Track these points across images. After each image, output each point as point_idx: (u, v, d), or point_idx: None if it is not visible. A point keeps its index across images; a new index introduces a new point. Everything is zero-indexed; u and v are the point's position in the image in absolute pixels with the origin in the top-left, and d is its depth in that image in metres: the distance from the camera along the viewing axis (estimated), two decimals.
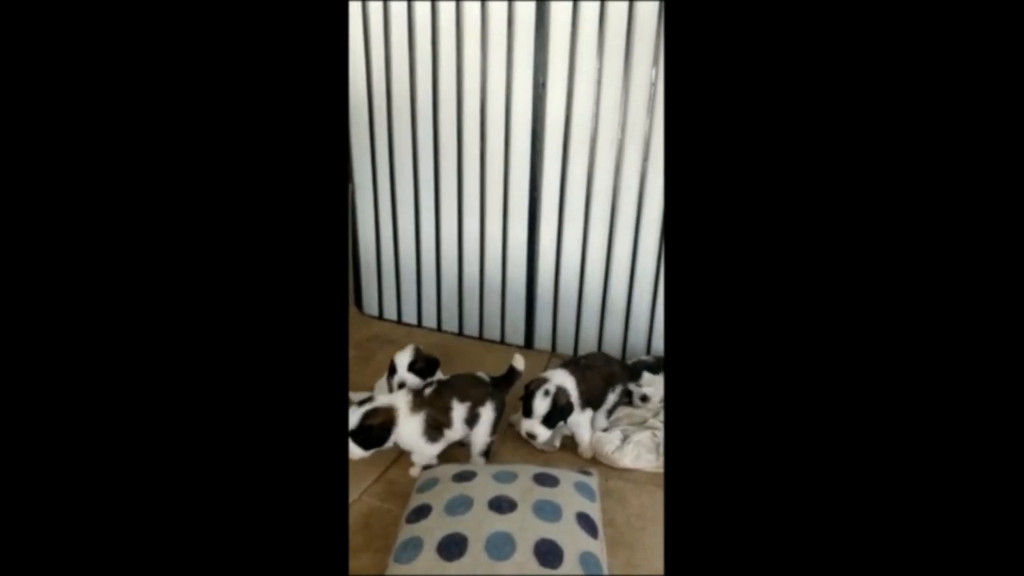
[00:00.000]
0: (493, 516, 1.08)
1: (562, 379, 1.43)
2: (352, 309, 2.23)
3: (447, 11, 1.76)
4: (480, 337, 2.09)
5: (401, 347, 2.10)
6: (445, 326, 2.15)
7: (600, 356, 1.62)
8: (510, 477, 1.20)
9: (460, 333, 2.12)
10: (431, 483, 1.22)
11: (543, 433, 1.37)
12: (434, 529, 1.08)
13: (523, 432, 1.40)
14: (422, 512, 1.13)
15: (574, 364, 1.52)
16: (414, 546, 1.05)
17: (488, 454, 1.41)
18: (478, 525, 1.06)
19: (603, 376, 1.52)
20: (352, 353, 1.97)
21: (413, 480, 1.32)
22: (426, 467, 1.30)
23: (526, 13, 1.68)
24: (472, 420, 1.37)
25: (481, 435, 1.38)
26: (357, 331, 2.13)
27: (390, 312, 2.23)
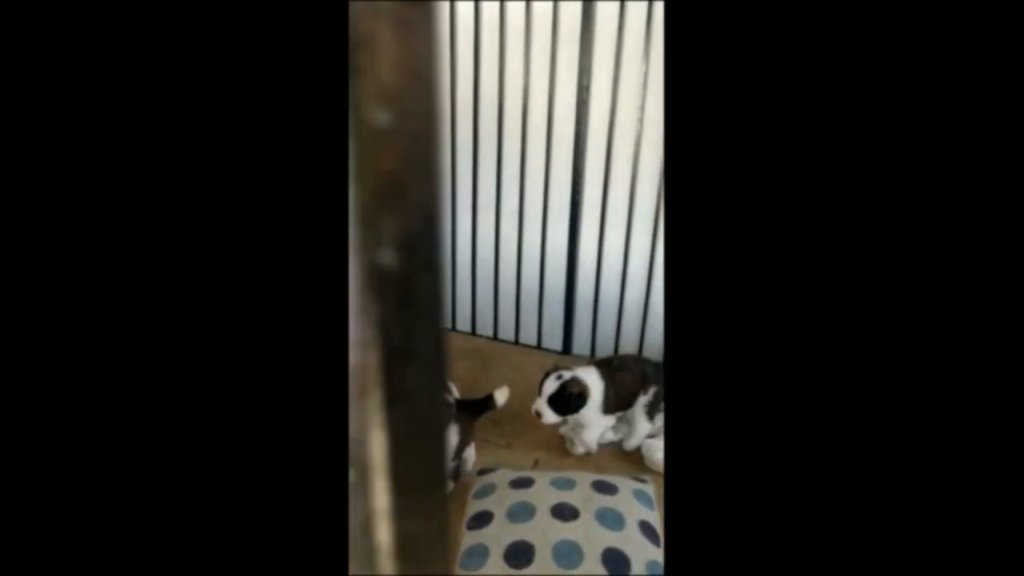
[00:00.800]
0: (558, 524, 1.07)
1: (587, 376, 1.40)
2: None
3: (490, 9, 1.75)
4: (516, 342, 2.08)
5: None
6: (480, 330, 2.13)
7: (633, 358, 1.58)
8: (569, 484, 1.18)
9: (495, 338, 2.10)
10: (488, 489, 1.20)
11: (549, 414, 1.36)
12: (499, 536, 1.06)
13: (533, 411, 1.39)
14: (483, 519, 1.11)
15: (606, 365, 1.49)
16: (480, 553, 1.04)
17: (456, 477, 1.36)
18: (543, 533, 1.05)
19: (635, 378, 1.48)
20: None
21: (465, 487, 1.30)
22: (480, 472, 1.29)
23: (571, 12, 1.67)
24: None
25: None
26: None
27: None
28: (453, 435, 1.29)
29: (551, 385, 1.36)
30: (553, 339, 2.03)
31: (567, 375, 1.37)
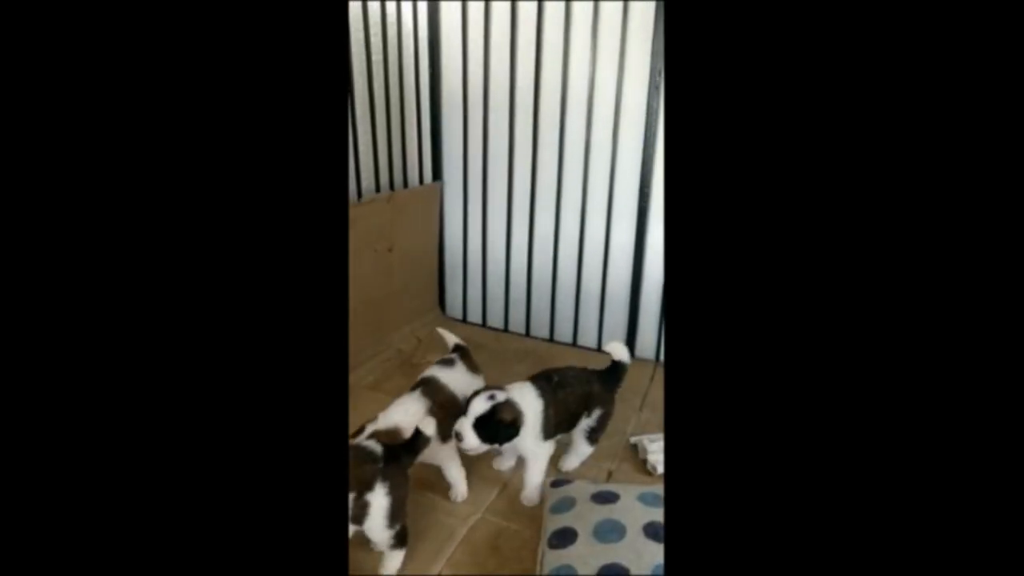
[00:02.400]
0: (652, 545, 0.96)
1: (523, 396, 1.18)
2: (435, 311, 2.14)
3: (554, 9, 1.67)
4: (574, 344, 1.98)
5: (491, 352, 2.01)
6: (534, 331, 2.04)
7: (577, 373, 1.32)
8: (657, 500, 1.07)
9: (551, 339, 2.01)
10: (567, 503, 1.10)
11: (471, 438, 1.12)
12: (587, 557, 0.96)
13: (454, 430, 1.15)
14: (566, 537, 1.02)
15: (545, 380, 1.25)
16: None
17: (403, 542, 1.08)
18: (638, 556, 0.95)
19: (578, 397, 1.27)
20: (441, 356, 1.88)
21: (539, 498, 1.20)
22: (555, 483, 1.19)
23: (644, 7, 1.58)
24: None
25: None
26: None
27: (474, 315, 2.13)
28: (382, 497, 1.00)
29: (480, 405, 1.13)
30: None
31: (500, 396, 1.14)
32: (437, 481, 1.27)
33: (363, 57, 1.68)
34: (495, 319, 2.10)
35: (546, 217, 1.90)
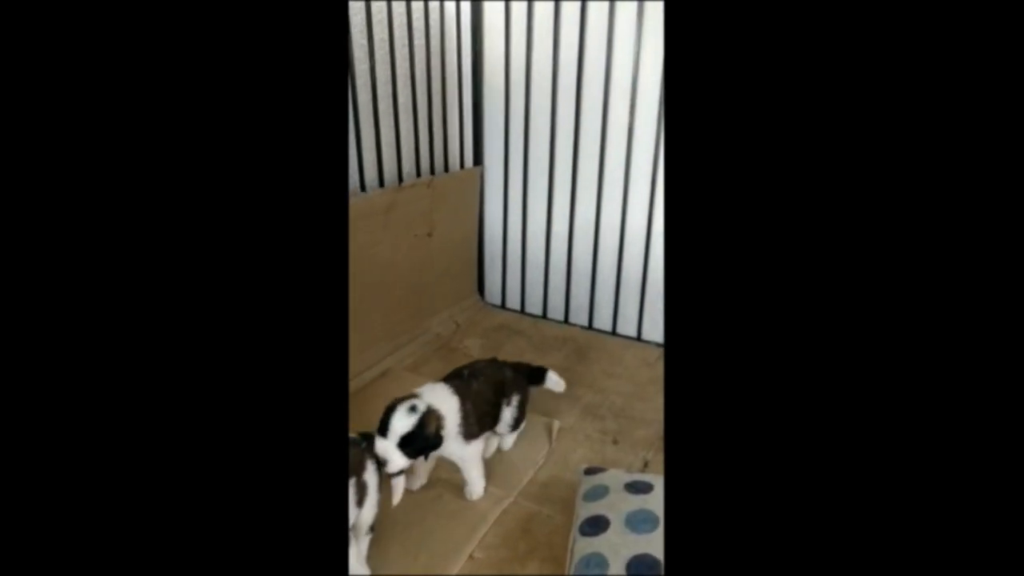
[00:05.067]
0: None
1: (439, 398, 1.12)
2: (474, 296, 2.15)
3: (598, 10, 1.63)
4: (613, 332, 1.95)
5: (529, 339, 2.01)
6: (573, 318, 2.02)
7: (486, 364, 1.29)
8: None
9: (590, 327, 1.99)
10: (600, 491, 1.09)
11: (398, 460, 1.04)
12: (618, 546, 0.95)
13: (377, 454, 1.06)
14: (598, 524, 1.01)
15: (458, 378, 1.20)
16: (598, 564, 0.93)
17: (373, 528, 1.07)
18: None
19: (494, 385, 1.23)
20: (479, 342, 1.89)
21: (572, 485, 1.20)
22: (588, 472, 1.18)
23: None
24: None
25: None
26: (481, 320, 2.04)
27: (513, 302, 2.13)
28: (375, 475, 1.01)
29: (404, 421, 1.04)
30: (655, 331, 1.89)
31: (421, 405, 1.07)
32: None
33: (406, 41, 1.69)
34: (534, 305, 2.10)
35: (587, 203, 1.87)
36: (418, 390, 1.13)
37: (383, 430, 1.05)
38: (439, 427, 1.09)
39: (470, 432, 1.15)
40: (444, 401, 1.12)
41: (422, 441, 1.05)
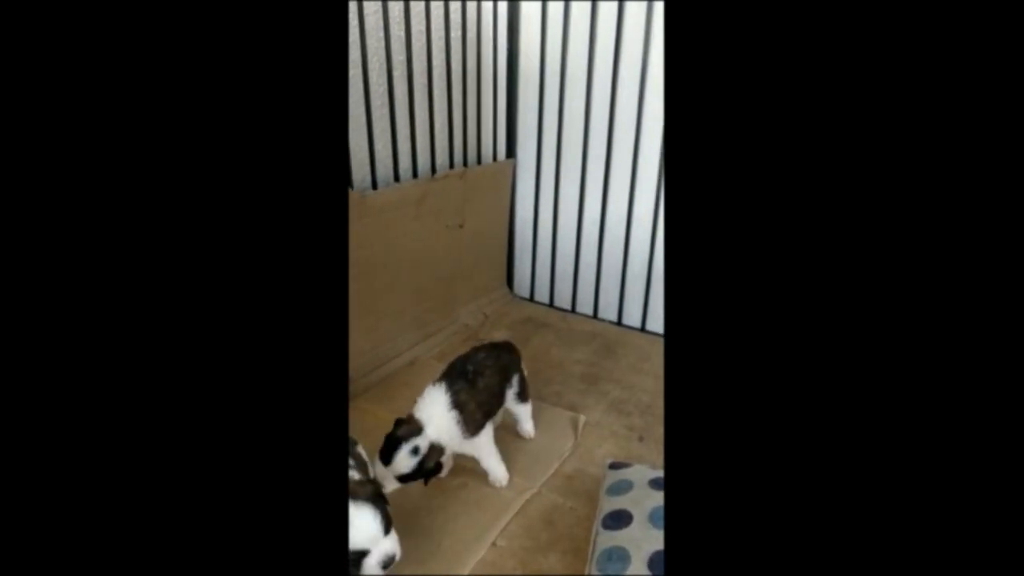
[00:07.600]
0: None
1: (437, 413, 1.13)
2: (503, 288, 2.16)
3: (635, 10, 1.61)
4: (642, 328, 1.94)
5: (557, 333, 2.01)
6: (602, 314, 2.02)
7: (486, 352, 1.28)
8: None
9: (619, 323, 1.98)
10: (624, 486, 1.09)
11: (394, 484, 1.10)
12: (640, 541, 0.95)
13: (373, 476, 1.09)
14: (621, 519, 1.01)
15: (460, 378, 1.19)
16: (620, 558, 0.94)
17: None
18: None
19: (498, 372, 1.25)
20: (507, 334, 1.90)
21: (596, 478, 1.20)
22: (613, 466, 1.18)
23: None
24: None
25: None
26: (509, 312, 2.05)
27: (542, 295, 2.14)
28: (374, 521, 0.90)
29: (406, 462, 1.07)
30: None
31: (423, 445, 1.08)
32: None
33: (443, 34, 1.70)
34: (563, 299, 2.10)
35: (619, 198, 1.86)
36: (420, 400, 1.15)
37: (385, 459, 1.09)
38: (439, 458, 1.12)
39: (476, 427, 1.17)
40: (442, 416, 1.13)
41: (420, 475, 1.10)
